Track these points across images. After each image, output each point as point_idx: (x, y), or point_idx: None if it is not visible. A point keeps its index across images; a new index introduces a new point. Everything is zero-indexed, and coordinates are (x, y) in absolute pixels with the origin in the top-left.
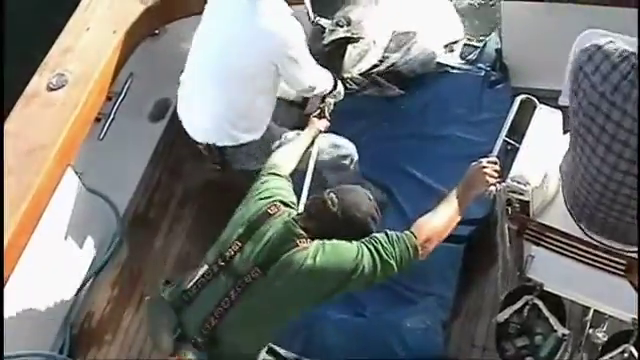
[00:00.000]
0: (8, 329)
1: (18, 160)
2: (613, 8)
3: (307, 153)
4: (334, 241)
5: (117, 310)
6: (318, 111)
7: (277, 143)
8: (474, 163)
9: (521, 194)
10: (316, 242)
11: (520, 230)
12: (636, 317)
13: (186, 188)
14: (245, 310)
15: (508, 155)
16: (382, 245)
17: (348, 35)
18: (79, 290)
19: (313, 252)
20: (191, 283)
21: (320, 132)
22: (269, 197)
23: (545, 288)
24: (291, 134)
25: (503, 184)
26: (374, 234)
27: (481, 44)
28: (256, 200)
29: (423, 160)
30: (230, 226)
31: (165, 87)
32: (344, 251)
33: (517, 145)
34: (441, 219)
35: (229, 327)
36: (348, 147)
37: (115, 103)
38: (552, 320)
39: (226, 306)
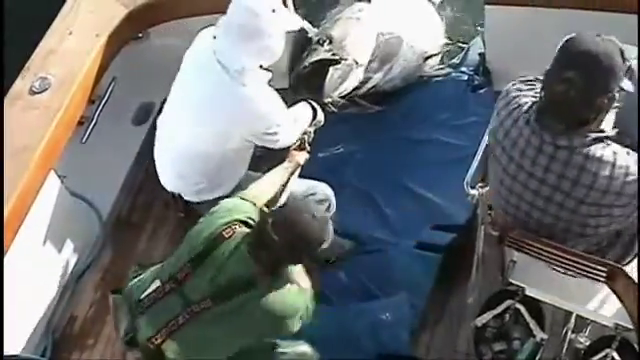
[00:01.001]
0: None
1: (1, 162)
2: (597, 12)
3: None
4: (286, 291)
5: (100, 314)
6: (298, 142)
7: None
8: None
9: None
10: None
11: (501, 236)
12: (618, 322)
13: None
14: (190, 337)
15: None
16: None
17: (329, 57)
18: (61, 293)
19: (268, 299)
20: (144, 295)
21: (299, 165)
22: (226, 218)
23: (527, 293)
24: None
25: (485, 189)
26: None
27: (464, 49)
28: (214, 219)
29: (407, 165)
30: (186, 242)
31: (148, 91)
32: (293, 302)
33: None
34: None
35: (173, 349)
36: (325, 192)
37: (98, 106)
38: (532, 325)
39: (173, 328)
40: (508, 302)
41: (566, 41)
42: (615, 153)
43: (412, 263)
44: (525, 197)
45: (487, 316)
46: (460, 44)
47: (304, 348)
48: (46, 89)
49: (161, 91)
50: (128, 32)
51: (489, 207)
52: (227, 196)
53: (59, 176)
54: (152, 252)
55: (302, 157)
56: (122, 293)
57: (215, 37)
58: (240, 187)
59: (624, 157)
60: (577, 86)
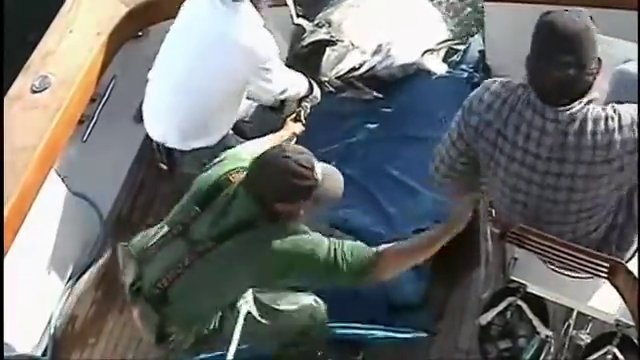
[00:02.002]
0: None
1: (1, 162)
2: (595, 10)
3: None
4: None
5: (101, 313)
6: (294, 115)
7: None
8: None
9: None
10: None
11: (503, 232)
12: (619, 319)
13: (170, 190)
14: (195, 278)
15: None
16: (342, 250)
17: (327, 37)
18: (62, 293)
19: (275, 237)
20: (152, 242)
21: (295, 135)
22: (234, 164)
23: (528, 290)
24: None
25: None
26: (341, 239)
27: (464, 46)
28: (221, 166)
29: (405, 162)
30: (193, 189)
31: None
32: (305, 243)
33: None
34: (411, 248)
35: (179, 291)
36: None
37: (98, 105)
38: (535, 322)
39: (179, 271)
40: (510, 299)
41: (545, 23)
42: (605, 110)
43: None
44: (534, 179)
45: (490, 314)
46: (460, 41)
47: (310, 300)
48: (46, 88)
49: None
50: (128, 31)
51: (490, 204)
52: (211, 148)
53: (60, 175)
54: None
55: (297, 127)
56: (130, 245)
57: None
58: (219, 149)
59: (615, 109)
60: (574, 66)
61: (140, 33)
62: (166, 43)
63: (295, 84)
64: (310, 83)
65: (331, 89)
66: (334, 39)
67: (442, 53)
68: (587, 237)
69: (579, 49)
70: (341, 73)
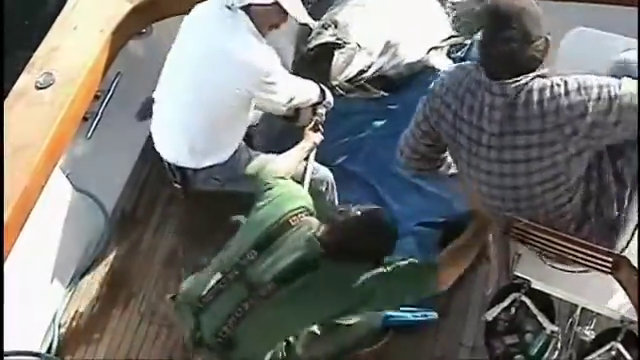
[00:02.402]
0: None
1: (5, 159)
2: (601, 6)
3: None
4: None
5: (105, 309)
6: (312, 124)
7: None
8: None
9: None
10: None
11: (506, 228)
12: (624, 314)
13: (174, 187)
14: (259, 321)
15: None
16: (399, 282)
17: (334, 40)
18: (67, 289)
19: (340, 276)
20: (206, 290)
21: (316, 145)
22: (293, 204)
23: (532, 286)
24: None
25: None
26: (399, 263)
27: (468, 42)
28: (277, 205)
29: None
30: (246, 231)
31: (153, 86)
32: (372, 280)
33: None
34: (460, 249)
35: (243, 335)
36: (326, 174)
37: (103, 102)
38: (540, 317)
39: (239, 315)
40: (514, 295)
41: (490, 3)
42: (551, 79)
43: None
44: (492, 157)
45: (496, 310)
46: (464, 37)
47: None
48: (51, 84)
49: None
50: (132, 27)
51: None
52: (225, 163)
53: (64, 171)
54: (157, 247)
55: (317, 137)
56: (180, 296)
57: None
58: (231, 164)
59: (561, 77)
60: (515, 40)
61: (144, 30)
62: (169, 62)
63: (302, 91)
64: (322, 89)
65: (341, 92)
66: (341, 42)
67: (446, 49)
68: (561, 210)
69: (519, 24)
70: (350, 76)
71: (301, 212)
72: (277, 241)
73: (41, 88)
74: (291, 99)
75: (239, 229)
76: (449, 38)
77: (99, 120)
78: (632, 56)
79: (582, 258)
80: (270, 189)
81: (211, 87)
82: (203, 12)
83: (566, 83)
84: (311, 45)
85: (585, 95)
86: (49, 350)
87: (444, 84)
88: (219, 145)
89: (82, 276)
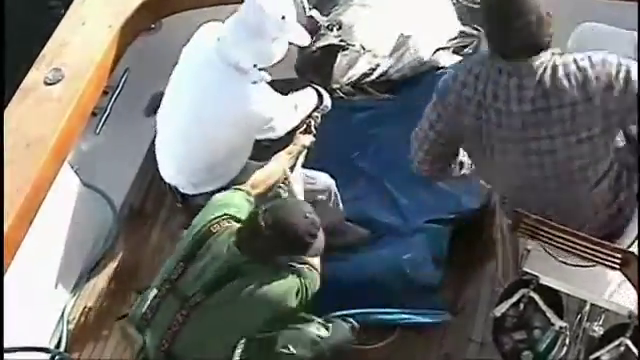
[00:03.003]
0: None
1: (14, 154)
2: (608, 2)
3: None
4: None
5: (114, 305)
6: (304, 127)
7: None
8: None
9: None
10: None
11: (515, 224)
12: (632, 310)
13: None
14: (194, 332)
15: None
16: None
17: (337, 42)
18: (75, 285)
19: (257, 286)
20: (144, 307)
21: (305, 147)
22: (215, 213)
23: (541, 282)
24: None
25: None
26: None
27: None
28: (203, 216)
29: None
30: (178, 245)
31: (161, 82)
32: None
33: None
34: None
35: (182, 348)
36: (326, 181)
37: (111, 97)
38: (549, 313)
39: (175, 328)
40: (523, 291)
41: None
42: (572, 54)
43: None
44: (528, 135)
45: (504, 305)
46: (473, 32)
47: (312, 333)
48: (59, 80)
49: None
50: (141, 23)
51: (503, 197)
52: (225, 187)
53: (73, 167)
54: (165, 243)
55: (307, 139)
56: (129, 317)
57: (219, 39)
58: (239, 177)
59: (582, 53)
60: (532, 18)
61: (153, 26)
62: (172, 84)
63: (302, 110)
64: (319, 92)
65: (342, 95)
66: (345, 44)
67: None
68: (600, 185)
69: (530, 2)
70: (354, 79)
71: (223, 219)
72: (201, 250)
73: (50, 84)
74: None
75: None
76: (456, 38)
77: (108, 116)
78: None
79: (590, 254)
80: (212, 200)
81: (213, 119)
82: (203, 46)
83: (589, 57)
84: (314, 47)
85: (609, 68)
86: (58, 346)
87: (458, 79)
88: (218, 175)
89: (91, 272)
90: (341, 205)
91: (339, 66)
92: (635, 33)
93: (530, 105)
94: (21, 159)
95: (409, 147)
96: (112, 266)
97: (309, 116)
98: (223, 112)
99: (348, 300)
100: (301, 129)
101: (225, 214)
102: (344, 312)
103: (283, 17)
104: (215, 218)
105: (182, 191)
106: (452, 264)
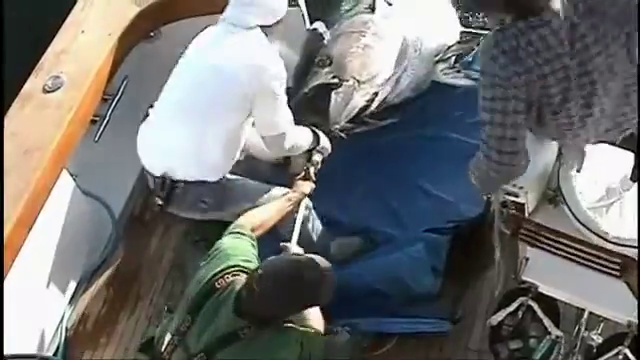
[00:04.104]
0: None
1: (13, 161)
2: None
3: (289, 219)
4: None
5: (112, 312)
6: (303, 172)
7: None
8: None
9: (516, 196)
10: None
11: (515, 231)
12: (631, 319)
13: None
14: None
15: None
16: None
17: (329, 80)
18: (74, 292)
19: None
20: (162, 347)
21: (305, 196)
22: (221, 265)
23: (540, 290)
24: (276, 190)
25: None
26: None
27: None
28: (211, 266)
29: (419, 162)
30: (188, 289)
31: (160, 89)
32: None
33: None
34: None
35: None
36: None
37: (110, 105)
38: (547, 322)
39: None
40: (521, 299)
41: None
42: None
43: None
44: (607, 64)
45: (501, 314)
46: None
47: None
48: (59, 88)
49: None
50: (140, 31)
51: (502, 204)
52: (213, 188)
53: (72, 175)
54: (164, 251)
55: (307, 187)
56: (148, 346)
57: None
58: (221, 190)
59: None
60: None
61: (152, 34)
62: (174, 74)
63: (299, 135)
64: (316, 133)
65: (342, 135)
66: (338, 80)
67: (455, 57)
68: None
69: None
70: (353, 114)
71: (228, 272)
72: (204, 307)
73: (49, 91)
74: (283, 134)
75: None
76: (453, 46)
77: (107, 123)
78: None
79: (590, 259)
80: (218, 246)
81: (215, 94)
82: (213, 30)
83: None
84: (307, 88)
85: None
86: (56, 353)
87: (503, 65)
88: (209, 159)
89: (90, 279)
90: (317, 221)
91: (335, 105)
92: None
93: (593, 33)
94: (20, 166)
95: (409, 155)
96: (111, 274)
97: (308, 160)
98: (223, 72)
99: (347, 309)
100: (300, 175)
101: (229, 266)
102: (344, 321)
103: None
104: (220, 272)
105: (174, 178)
106: (451, 272)
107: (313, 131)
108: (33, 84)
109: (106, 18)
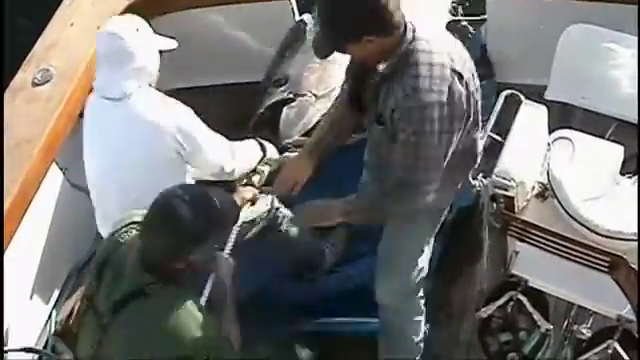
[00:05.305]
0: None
1: (2, 154)
2: (598, 3)
3: None
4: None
5: None
6: (245, 180)
7: None
8: None
9: (506, 190)
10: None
11: (504, 226)
12: (620, 313)
13: None
14: (111, 353)
15: (493, 150)
16: None
17: (285, 96)
18: (63, 286)
19: (157, 310)
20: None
21: (247, 200)
22: (125, 222)
23: (529, 284)
24: None
25: (488, 179)
26: None
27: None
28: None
29: None
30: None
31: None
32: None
33: (502, 140)
34: None
35: None
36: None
37: None
38: (536, 316)
39: (96, 347)
40: (510, 293)
41: None
42: None
43: None
44: None
45: (491, 307)
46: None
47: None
48: (48, 81)
49: (162, 83)
50: None
51: (492, 197)
52: None
53: (61, 168)
54: None
55: (248, 192)
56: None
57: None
58: None
59: None
60: None
61: None
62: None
63: (240, 161)
64: (262, 145)
65: (296, 151)
66: (292, 96)
67: None
68: None
69: None
70: (308, 128)
71: (132, 228)
72: (109, 265)
73: (38, 84)
74: (232, 171)
75: None
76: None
77: None
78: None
79: (579, 257)
80: None
81: (138, 163)
82: (93, 109)
83: None
84: (261, 109)
85: None
86: (45, 347)
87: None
88: None
89: (79, 273)
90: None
91: (286, 120)
92: (626, 35)
93: None
94: (9, 160)
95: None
96: None
97: (254, 170)
98: (135, 139)
99: (335, 310)
100: (242, 182)
101: (134, 222)
102: (334, 320)
103: (137, 29)
104: (124, 226)
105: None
106: (440, 265)
107: (260, 143)
108: (22, 77)
109: (95, 11)
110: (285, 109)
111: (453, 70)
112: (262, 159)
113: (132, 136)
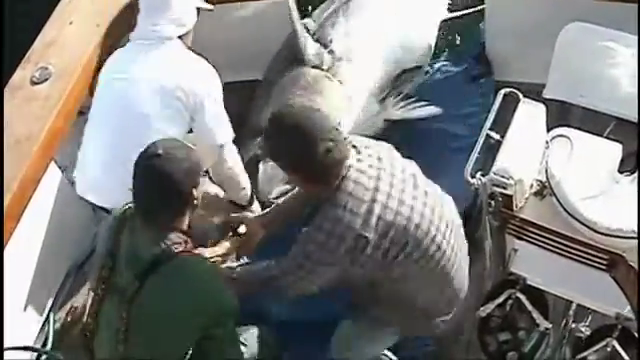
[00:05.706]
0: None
1: (1, 155)
2: (596, 2)
3: None
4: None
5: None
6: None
7: None
8: None
9: (504, 188)
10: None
11: (503, 224)
12: (619, 311)
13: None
14: (141, 327)
15: (491, 149)
16: None
17: (257, 152)
18: (62, 284)
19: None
20: (85, 317)
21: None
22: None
23: (528, 282)
24: None
25: (486, 178)
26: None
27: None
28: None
29: (407, 154)
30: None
31: None
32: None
33: (501, 139)
34: None
35: (136, 348)
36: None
37: None
38: (535, 314)
39: (124, 328)
40: (509, 291)
41: None
42: None
43: None
44: None
45: (490, 306)
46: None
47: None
48: (47, 79)
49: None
50: (128, 22)
51: (490, 196)
52: None
53: (59, 166)
54: None
55: (233, 245)
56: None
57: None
58: None
59: None
60: None
61: None
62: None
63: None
64: (250, 194)
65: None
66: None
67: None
68: None
69: None
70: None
71: None
72: (123, 235)
73: (37, 83)
74: (221, 144)
75: None
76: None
77: None
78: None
79: (578, 255)
80: None
81: (143, 119)
82: (127, 49)
83: None
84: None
85: None
86: (44, 345)
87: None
88: None
89: (77, 271)
90: None
91: (264, 176)
92: (625, 34)
93: None
94: (8, 158)
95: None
96: (99, 265)
97: (234, 231)
98: (162, 86)
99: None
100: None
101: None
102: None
103: None
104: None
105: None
106: None
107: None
108: (21, 75)
109: (94, 9)
110: (261, 165)
111: (360, 235)
112: (245, 207)
113: (159, 78)
